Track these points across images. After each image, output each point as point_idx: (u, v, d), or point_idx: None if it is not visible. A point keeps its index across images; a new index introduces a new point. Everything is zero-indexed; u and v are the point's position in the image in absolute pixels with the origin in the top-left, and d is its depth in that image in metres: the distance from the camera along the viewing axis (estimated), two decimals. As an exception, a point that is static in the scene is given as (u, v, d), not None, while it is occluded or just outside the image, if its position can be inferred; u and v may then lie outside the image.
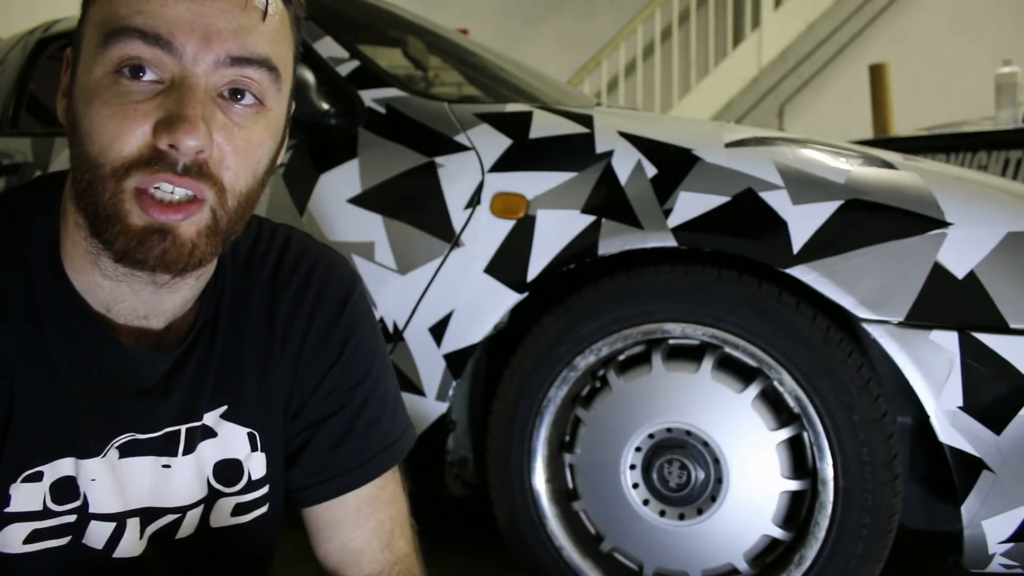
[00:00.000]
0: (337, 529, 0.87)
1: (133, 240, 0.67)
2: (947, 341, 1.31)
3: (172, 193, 0.67)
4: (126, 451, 0.76)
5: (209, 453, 0.81)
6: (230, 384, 0.81)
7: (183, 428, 0.79)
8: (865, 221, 1.37)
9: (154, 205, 0.66)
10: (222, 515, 0.83)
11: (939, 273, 1.32)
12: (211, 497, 0.82)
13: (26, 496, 0.71)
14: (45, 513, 0.72)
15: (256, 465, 0.84)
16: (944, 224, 1.34)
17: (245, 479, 0.83)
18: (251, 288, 0.84)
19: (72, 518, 0.74)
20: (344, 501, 0.87)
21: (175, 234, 0.67)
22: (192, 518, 0.81)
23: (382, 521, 0.88)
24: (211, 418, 0.81)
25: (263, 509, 0.85)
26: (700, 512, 1.48)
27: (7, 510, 0.71)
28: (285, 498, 0.89)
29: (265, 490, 0.85)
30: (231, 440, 0.82)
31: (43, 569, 0.73)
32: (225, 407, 0.81)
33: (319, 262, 0.87)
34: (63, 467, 0.73)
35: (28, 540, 0.72)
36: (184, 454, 0.79)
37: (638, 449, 1.52)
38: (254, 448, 0.83)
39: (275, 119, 0.73)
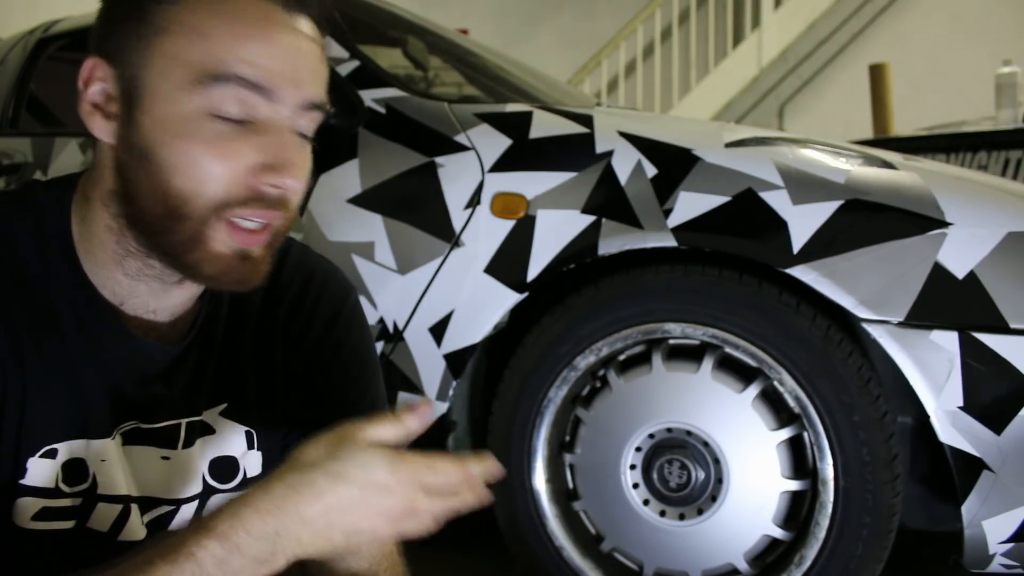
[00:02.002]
0: None
1: (221, 266, 0.72)
2: (947, 341, 1.31)
3: (252, 222, 0.72)
4: (129, 439, 0.78)
5: (206, 450, 0.83)
6: (230, 383, 0.84)
7: (183, 422, 0.81)
8: (865, 221, 1.37)
9: (240, 232, 0.72)
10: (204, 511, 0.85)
11: (939, 273, 1.32)
12: (205, 493, 0.84)
13: (41, 471, 0.74)
14: (56, 492, 0.75)
15: (252, 463, 0.86)
16: (944, 224, 1.34)
17: (240, 476, 0.85)
18: (249, 292, 0.85)
19: (79, 500, 0.76)
20: None
21: (252, 258, 0.74)
22: (186, 512, 0.83)
23: None
24: (210, 415, 0.83)
25: None
26: (700, 512, 1.48)
27: (23, 481, 0.73)
28: None
29: None
30: (228, 437, 0.84)
31: (47, 550, 0.76)
32: (225, 405, 0.84)
33: (316, 270, 0.90)
34: (75, 448, 0.75)
35: (36, 517, 0.75)
36: (183, 447, 0.81)
37: (638, 449, 1.52)
38: (251, 446, 0.85)
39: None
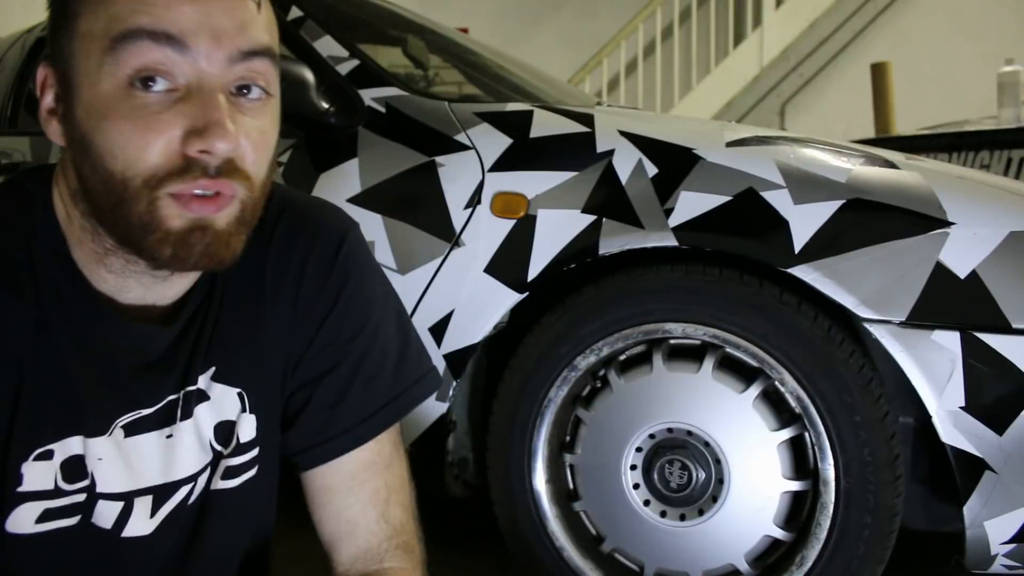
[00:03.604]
0: (332, 495, 0.85)
1: (177, 243, 0.68)
2: (949, 341, 1.30)
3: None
4: (131, 430, 0.76)
5: (206, 416, 0.80)
6: (219, 345, 0.80)
7: (180, 394, 0.79)
8: (867, 220, 1.37)
9: (192, 199, 0.67)
10: (217, 478, 0.82)
11: (941, 273, 1.32)
12: (215, 460, 0.81)
13: (38, 475, 0.72)
14: (56, 492, 0.73)
15: (246, 427, 0.82)
16: (946, 223, 1.34)
17: (234, 441, 0.82)
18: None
19: (82, 497, 0.74)
20: (338, 466, 0.85)
21: (214, 228, 0.68)
22: (201, 484, 0.81)
23: (377, 488, 0.86)
24: (203, 381, 0.80)
25: (251, 472, 0.84)
26: (701, 513, 1.47)
27: (20, 489, 0.71)
28: (284, 467, 0.87)
29: (255, 453, 0.83)
30: (223, 401, 0.81)
31: (53, 549, 0.74)
32: (214, 368, 0.80)
33: (308, 211, 0.86)
34: (72, 445, 0.73)
35: (40, 520, 0.73)
36: (182, 419, 0.79)
37: (639, 449, 1.51)
38: (244, 409, 0.82)
39: (277, 104, 0.74)
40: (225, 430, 0.81)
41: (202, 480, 0.80)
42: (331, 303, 0.84)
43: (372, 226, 1.63)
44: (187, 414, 0.79)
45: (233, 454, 0.82)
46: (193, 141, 0.65)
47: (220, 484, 0.82)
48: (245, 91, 0.70)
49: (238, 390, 0.81)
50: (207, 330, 0.79)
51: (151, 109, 0.66)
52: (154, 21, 0.65)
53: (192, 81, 0.67)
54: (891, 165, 1.46)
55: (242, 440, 0.82)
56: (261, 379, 0.83)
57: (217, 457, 0.81)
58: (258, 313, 0.82)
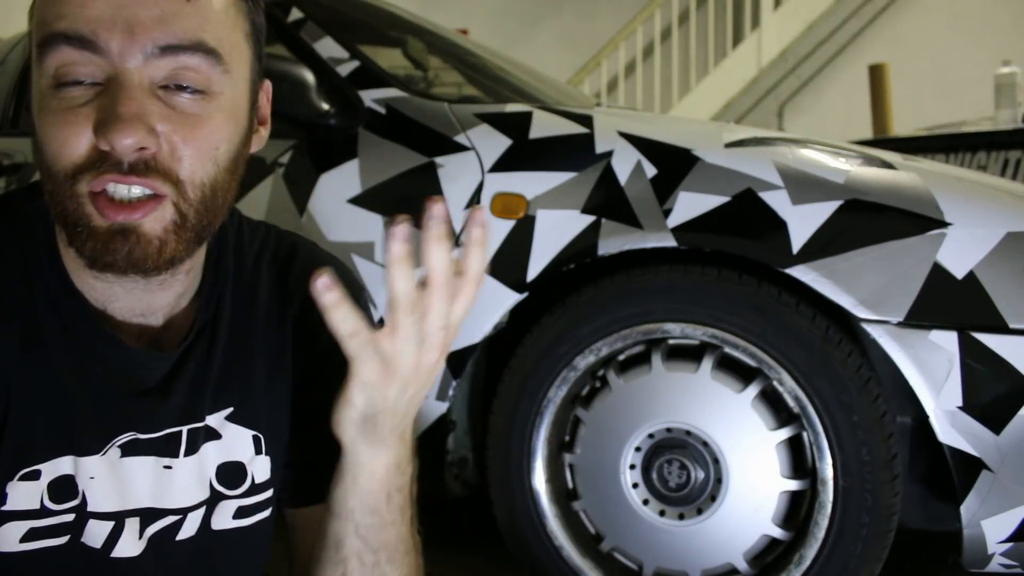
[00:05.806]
0: (316, 526, 0.86)
1: (99, 243, 0.67)
2: (946, 341, 1.31)
3: (128, 192, 0.66)
4: (128, 450, 0.76)
5: (212, 455, 0.80)
6: (237, 386, 0.81)
7: (184, 429, 0.78)
8: (865, 221, 1.37)
9: (109, 206, 0.66)
10: (224, 518, 0.82)
11: (938, 273, 1.32)
12: (213, 499, 0.81)
13: (23, 495, 0.71)
14: (42, 512, 0.72)
15: (260, 468, 0.83)
16: (943, 224, 1.34)
17: (248, 482, 0.83)
18: (256, 291, 0.84)
19: (71, 517, 0.73)
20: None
21: (138, 233, 0.67)
22: (193, 520, 0.80)
23: None
24: (215, 420, 0.80)
25: (266, 513, 0.85)
26: (700, 512, 1.48)
27: (3, 508, 0.71)
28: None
29: (269, 494, 0.85)
30: (235, 442, 0.82)
31: (40, 568, 0.73)
32: (231, 409, 0.81)
33: (326, 270, 0.87)
34: (62, 466, 0.72)
35: (25, 539, 0.72)
36: (186, 455, 0.79)
37: (638, 449, 1.52)
38: (259, 451, 0.83)
39: (229, 103, 0.71)
40: (230, 471, 0.81)
41: (195, 516, 0.80)
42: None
43: (372, 226, 1.63)
44: (192, 450, 0.79)
45: (248, 494, 0.83)
46: (100, 136, 0.65)
47: (233, 523, 0.82)
48: (185, 86, 0.68)
49: (254, 433, 0.82)
50: (212, 367, 0.79)
51: (73, 103, 0.66)
52: (69, 24, 0.65)
53: (111, 76, 0.66)
54: (889, 166, 1.47)
55: (257, 481, 0.83)
56: (276, 423, 0.84)
57: (216, 496, 0.81)
58: (279, 360, 0.83)
